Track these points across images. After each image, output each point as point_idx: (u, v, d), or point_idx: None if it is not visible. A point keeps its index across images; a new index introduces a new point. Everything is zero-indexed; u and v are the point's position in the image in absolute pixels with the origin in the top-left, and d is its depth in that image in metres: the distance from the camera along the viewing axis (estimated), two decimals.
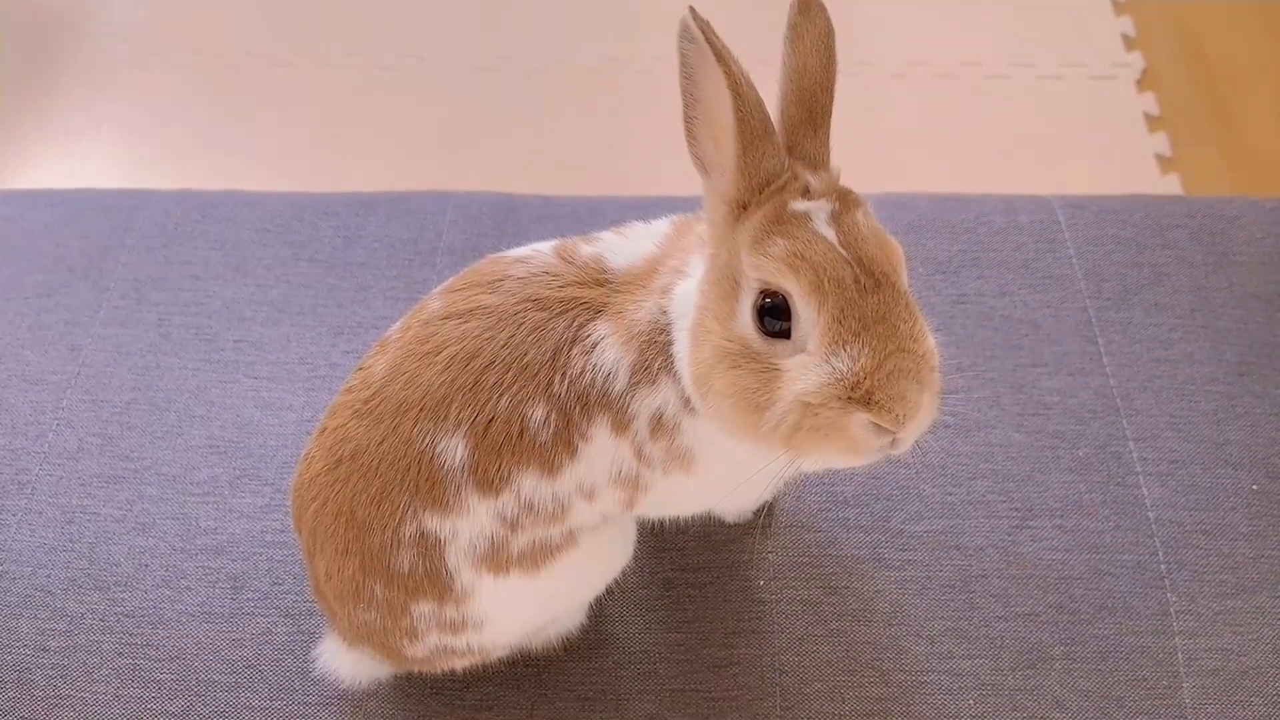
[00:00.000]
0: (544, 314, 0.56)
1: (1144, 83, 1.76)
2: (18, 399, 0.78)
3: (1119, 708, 0.68)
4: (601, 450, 0.55)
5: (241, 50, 1.81)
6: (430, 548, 0.56)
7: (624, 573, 0.70)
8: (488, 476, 0.55)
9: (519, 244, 0.88)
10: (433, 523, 0.56)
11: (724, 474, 0.57)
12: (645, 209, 0.66)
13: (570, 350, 0.55)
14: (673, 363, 0.55)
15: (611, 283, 0.57)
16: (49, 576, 0.71)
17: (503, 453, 0.54)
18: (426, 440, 0.55)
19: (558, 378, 0.54)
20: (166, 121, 1.71)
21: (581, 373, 0.54)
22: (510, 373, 0.54)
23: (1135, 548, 0.73)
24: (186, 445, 0.76)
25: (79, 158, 1.68)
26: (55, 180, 1.65)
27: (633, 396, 0.55)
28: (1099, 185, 1.58)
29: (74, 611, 0.70)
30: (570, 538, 0.58)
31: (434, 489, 0.55)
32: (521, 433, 0.54)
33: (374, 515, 0.56)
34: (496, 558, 0.57)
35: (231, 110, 1.72)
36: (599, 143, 1.68)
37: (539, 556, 0.58)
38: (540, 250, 0.60)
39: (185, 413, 0.78)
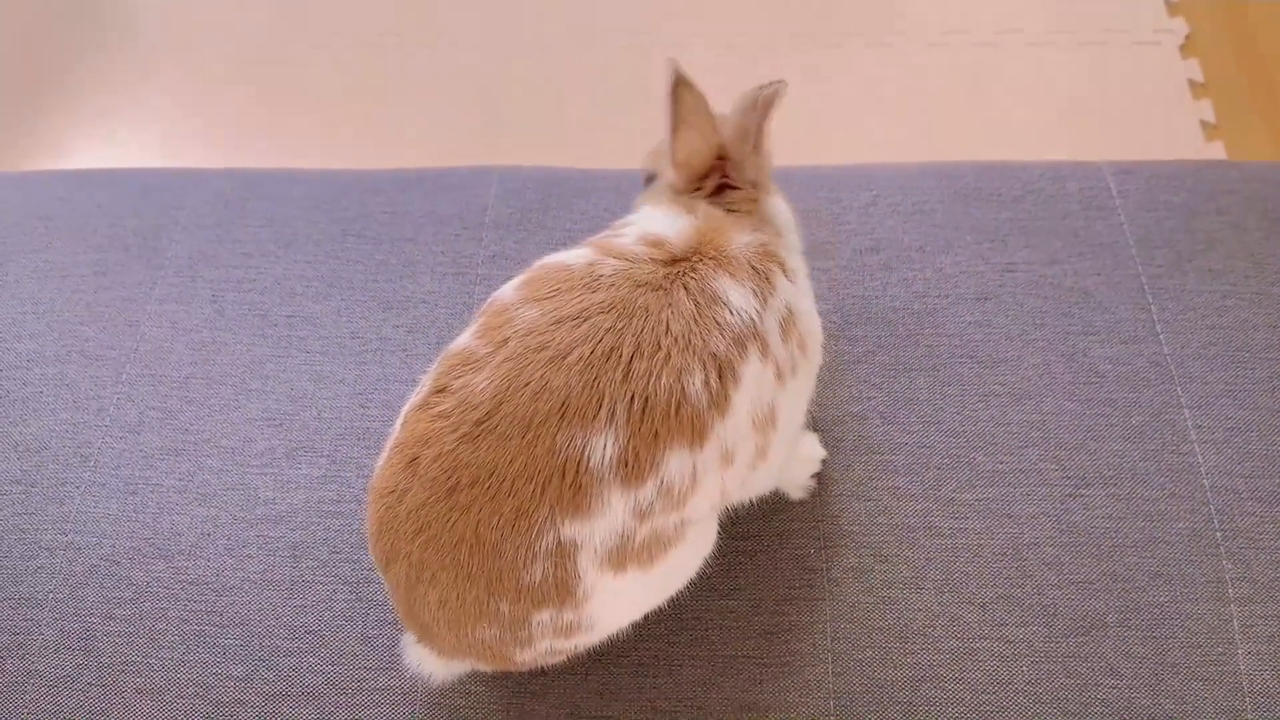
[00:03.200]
0: (660, 293, 0.58)
1: (1187, 49, 1.72)
2: (79, 374, 0.80)
3: (1174, 674, 0.67)
4: (747, 391, 0.58)
5: (279, 31, 1.82)
6: (565, 556, 0.55)
7: None
8: (638, 464, 0.55)
9: (565, 217, 0.89)
10: (571, 530, 0.55)
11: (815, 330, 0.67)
12: None
13: (708, 308, 0.58)
14: (783, 261, 0.64)
15: (681, 249, 0.61)
16: (114, 546, 0.73)
17: (659, 434, 0.55)
18: (574, 445, 0.54)
19: (714, 335, 0.57)
20: (205, 102, 1.73)
21: (728, 320, 0.58)
22: (661, 351, 0.55)
23: (1190, 515, 0.72)
24: (244, 418, 0.78)
25: (119, 141, 1.71)
26: (95, 161, 1.67)
27: (765, 312, 0.60)
28: (1142, 152, 1.55)
29: (140, 580, 0.72)
30: (680, 530, 0.59)
31: (577, 495, 0.54)
32: (679, 405, 0.55)
33: (505, 535, 0.55)
34: (619, 555, 0.56)
35: (270, 90, 1.74)
36: (635, 117, 1.68)
37: (654, 549, 0.58)
38: (585, 252, 0.62)
39: (241, 387, 0.79)
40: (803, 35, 1.80)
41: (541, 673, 0.68)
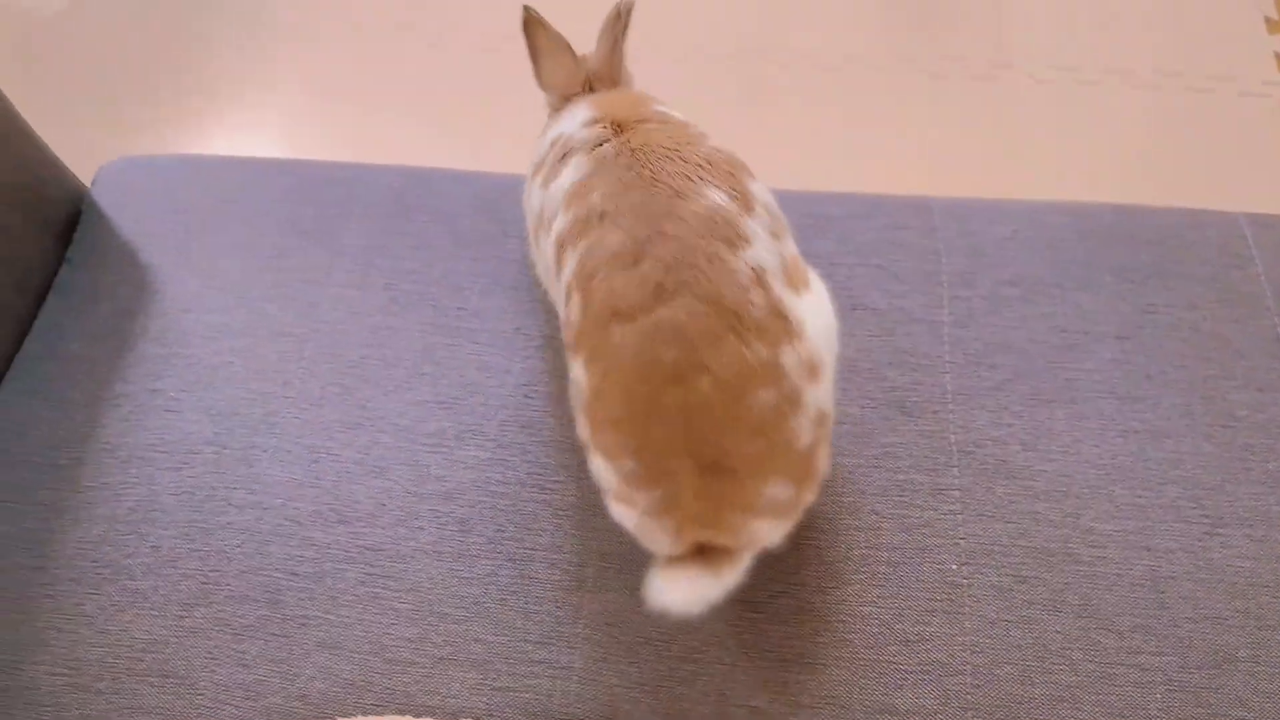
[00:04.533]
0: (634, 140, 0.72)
1: None
2: (265, 348, 0.86)
3: None
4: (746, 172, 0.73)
5: (398, 28, 1.90)
6: (762, 283, 0.63)
7: (820, 546, 0.75)
8: (742, 197, 0.67)
9: None
10: (748, 256, 0.63)
11: None
12: None
13: (681, 130, 0.75)
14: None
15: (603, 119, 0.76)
16: (297, 509, 0.79)
17: (733, 173, 0.68)
18: (704, 200, 0.65)
19: (701, 143, 0.72)
20: (329, 95, 1.81)
21: (695, 133, 0.75)
22: (690, 158, 0.69)
23: None
24: (416, 399, 0.83)
25: (248, 128, 1.80)
26: (222, 149, 1.77)
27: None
28: (1245, 203, 1.56)
29: (321, 541, 0.77)
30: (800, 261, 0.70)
31: (731, 231, 0.64)
32: (724, 160, 0.70)
33: (722, 287, 0.61)
34: (787, 275, 0.65)
35: (393, 86, 1.82)
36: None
37: (797, 271, 0.67)
38: (578, 160, 0.72)
39: (414, 370, 0.85)
40: (909, 61, 1.84)
41: (691, 660, 0.73)
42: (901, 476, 0.79)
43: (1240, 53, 1.83)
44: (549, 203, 0.72)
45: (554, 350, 0.86)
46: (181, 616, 0.75)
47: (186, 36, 1.92)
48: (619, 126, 0.72)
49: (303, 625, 0.75)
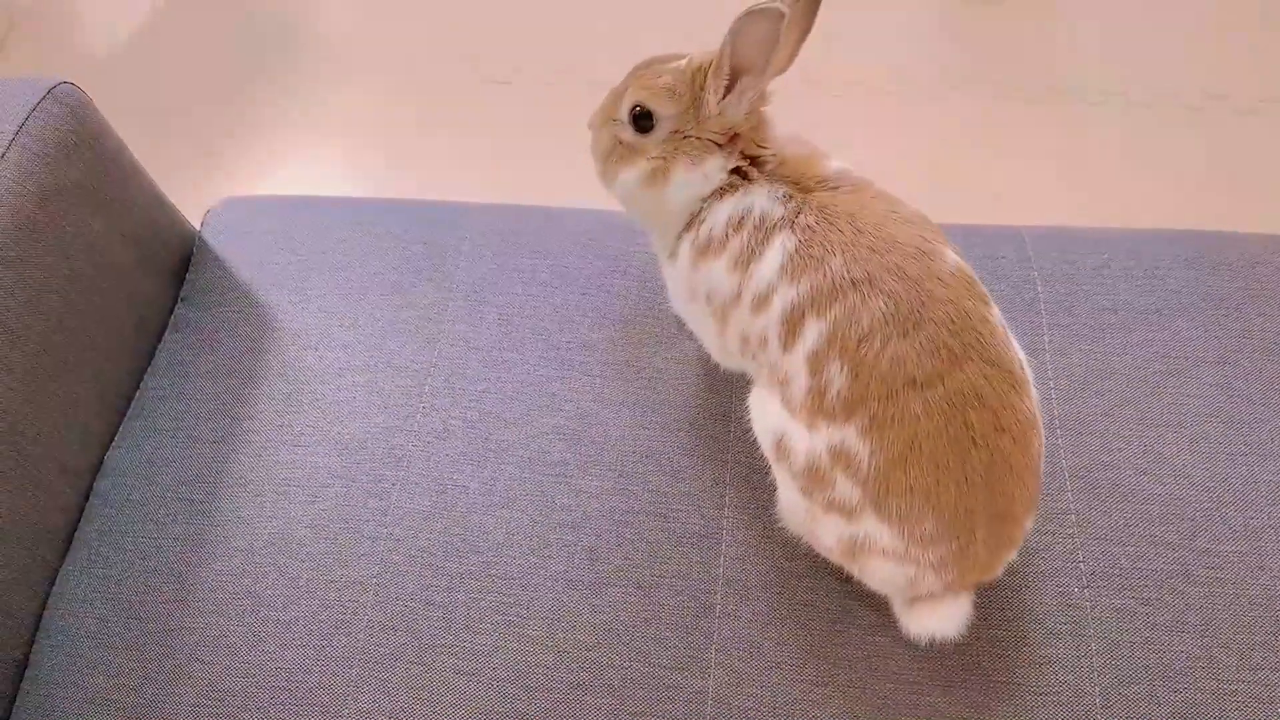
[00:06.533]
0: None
1: None
2: (388, 383, 0.89)
3: None
4: None
5: (453, 65, 1.94)
6: (1009, 337, 0.69)
7: None
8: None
9: None
10: (997, 315, 0.69)
11: None
12: None
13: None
14: None
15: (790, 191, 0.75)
16: (429, 539, 0.81)
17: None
18: (941, 260, 0.68)
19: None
20: (397, 131, 1.86)
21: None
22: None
23: None
24: (537, 431, 0.86)
25: (304, 162, 1.84)
26: (281, 187, 1.81)
27: None
28: None
29: (454, 571, 0.80)
30: None
31: (980, 289, 0.69)
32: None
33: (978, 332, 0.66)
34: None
35: (447, 123, 1.86)
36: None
37: None
38: (784, 237, 0.71)
39: (532, 403, 0.87)
40: (963, 88, 1.87)
41: (822, 684, 0.74)
42: None
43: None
44: (758, 282, 0.70)
45: (665, 381, 0.88)
46: (322, 646, 0.78)
47: (263, 79, 1.97)
48: (805, 189, 0.71)
49: (441, 653, 0.77)
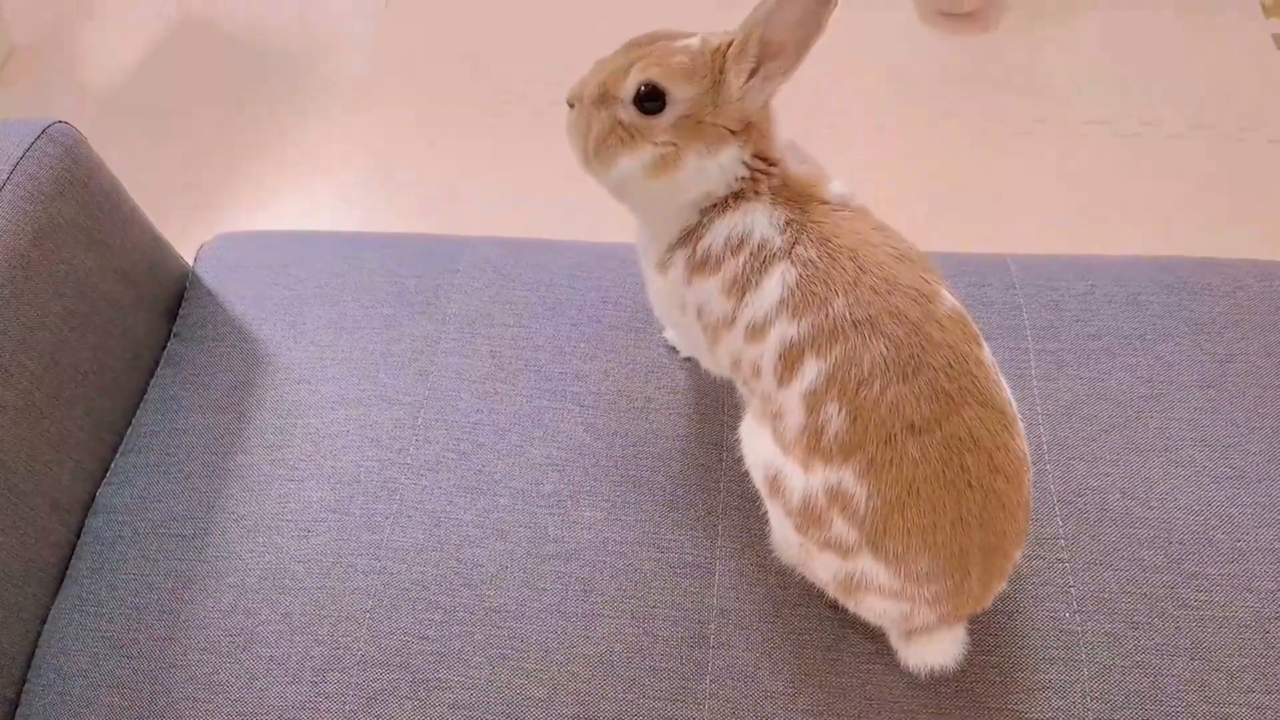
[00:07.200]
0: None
1: None
2: (380, 416, 0.89)
3: None
4: None
5: (445, 99, 1.97)
6: (1000, 378, 0.69)
7: None
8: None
9: None
10: (988, 355, 0.69)
11: None
12: None
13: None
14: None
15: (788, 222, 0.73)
16: (422, 573, 0.81)
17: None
18: (939, 301, 0.68)
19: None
20: (389, 165, 1.87)
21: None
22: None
23: None
24: (530, 463, 0.86)
25: (297, 197, 1.85)
26: (273, 222, 1.82)
27: None
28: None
29: (447, 604, 0.80)
30: None
31: (973, 330, 0.69)
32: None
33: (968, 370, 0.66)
34: None
35: (453, 155, 1.87)
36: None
37: None
38: (783, 268, 0.70)
39: (525, 434, 0.88)
40: (949, 117, 1.90)
41: (816, 713, 0.74)
42: None
43: (1268, 103, 1.89)
44: (754, 311, 0.69)
45: (656, 411, 0.89)
46: (316, 682, 0.77)
47: (257, 113, 1.98)
48: (805, 214, 0.69)
49: (435, 688, 0.77)
